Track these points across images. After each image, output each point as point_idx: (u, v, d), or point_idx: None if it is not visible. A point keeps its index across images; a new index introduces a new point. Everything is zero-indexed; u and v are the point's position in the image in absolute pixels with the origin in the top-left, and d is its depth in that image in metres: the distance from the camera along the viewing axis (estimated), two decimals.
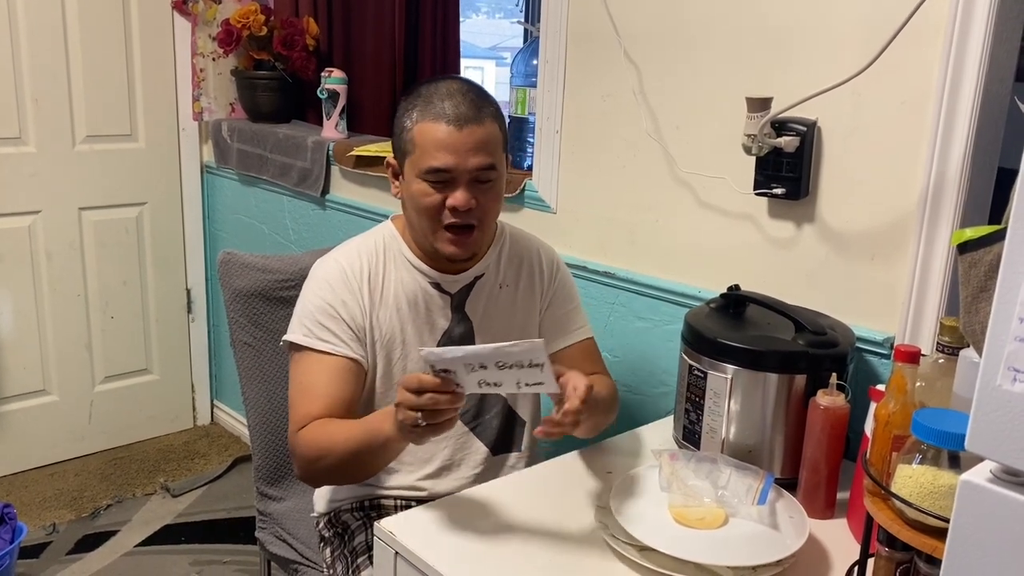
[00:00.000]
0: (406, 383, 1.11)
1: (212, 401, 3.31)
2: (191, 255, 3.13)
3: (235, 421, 3.20)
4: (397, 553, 1.16)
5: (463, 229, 1.36)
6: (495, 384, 1.09)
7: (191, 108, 2.96)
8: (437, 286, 1.45)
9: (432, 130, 1.32)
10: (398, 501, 1.49)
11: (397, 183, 1.43)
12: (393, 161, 1.43)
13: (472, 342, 1.47)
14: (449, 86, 1.35)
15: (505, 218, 1.52)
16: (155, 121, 2.94)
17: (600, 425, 1.45)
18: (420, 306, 1.45)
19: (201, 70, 2.93)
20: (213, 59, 2.92)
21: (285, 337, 1.42)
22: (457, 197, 1.33)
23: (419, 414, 1.10)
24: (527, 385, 1.10)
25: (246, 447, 3.02)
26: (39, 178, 2.73)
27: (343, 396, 1.37)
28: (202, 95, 2.95)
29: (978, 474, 0.66)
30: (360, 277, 1.42)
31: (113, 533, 2.55)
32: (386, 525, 1.19)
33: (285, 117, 2.88)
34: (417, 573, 1.13)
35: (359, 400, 1.42)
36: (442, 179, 1.33)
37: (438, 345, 1.45)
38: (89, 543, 2.50)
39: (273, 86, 2.80)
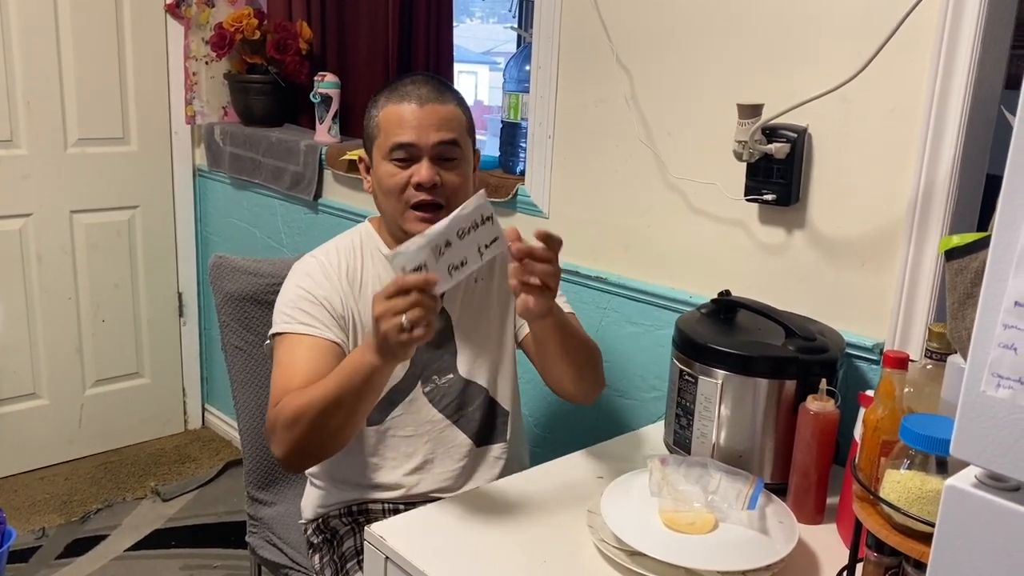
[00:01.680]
0: (381, 293, 1.10)
1: (203, 405, 3.30)
2: (183, 259, 3.13)
3: (226, 425, 3.19)
4: (387, 558, 1.16)
5: (430, 208, 1.37)
6: (462, 264, 1.13)
7: (184, 111, 2.95)
8: None
9: (396, 110, 1.37)
10: (386, 505, 1.49)
11: (368, 177, 1.46)
12: (364, 156, 1.46)
13: (452, 338, 1.49)
14: (414, 77, 1.42)
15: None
16: (147, 124, 2.94)
17: (578, 363, 1.40)
18: None
19: (194, 73, 2.92)
20: (206, 62, 2.92)
21: (269, 333, 1.42)
22: (421, 172, 1.36)
23: (403, 317, 1.08)
24: (486, 248, 1.15)
25: (237, 451, 3.01)
26: (30, 180, 2.73)
27: (324, 374, 1.31)
28: (195, 98, 2.95)
29: (963, 479, 0.66)
30: (339, 271, 1.44)
31: (103, 537, 2.54)
32: (376, 529, 1.19)
33: (278, 121, 2.87)
34: None
35: None
36: (406, 155, 1.36)
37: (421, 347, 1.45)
38: (79, 547, 2.48)
39: (266, 90, 2.80)
